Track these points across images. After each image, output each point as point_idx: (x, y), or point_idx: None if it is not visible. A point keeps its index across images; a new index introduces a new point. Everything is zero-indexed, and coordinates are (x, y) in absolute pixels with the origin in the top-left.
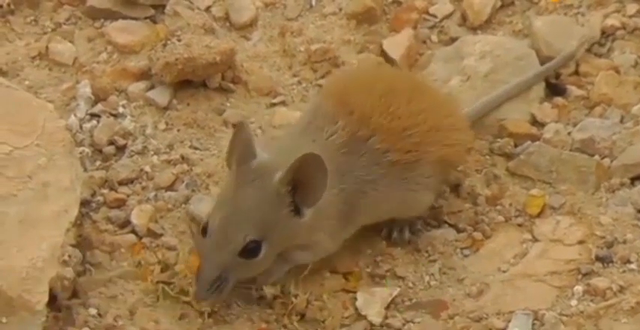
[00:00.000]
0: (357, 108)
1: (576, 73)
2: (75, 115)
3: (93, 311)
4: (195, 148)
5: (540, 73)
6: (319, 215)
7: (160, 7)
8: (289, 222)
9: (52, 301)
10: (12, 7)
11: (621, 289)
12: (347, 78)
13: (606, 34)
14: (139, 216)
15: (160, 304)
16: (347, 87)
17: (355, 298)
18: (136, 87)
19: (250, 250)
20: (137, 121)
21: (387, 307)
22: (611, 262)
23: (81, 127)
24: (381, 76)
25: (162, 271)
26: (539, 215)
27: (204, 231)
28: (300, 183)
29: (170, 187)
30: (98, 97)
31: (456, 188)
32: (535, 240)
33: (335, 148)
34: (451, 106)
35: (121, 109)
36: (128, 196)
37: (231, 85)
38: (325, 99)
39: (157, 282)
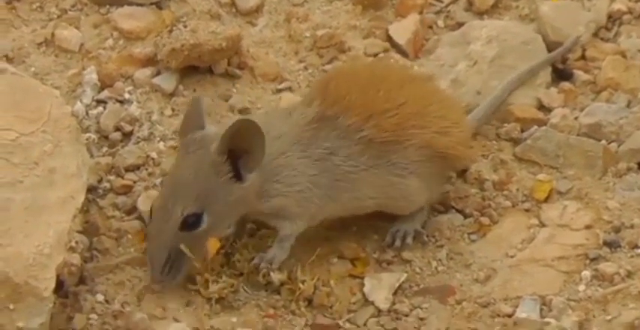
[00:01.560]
0: (333, 90)
1: (583, 57)
2: (81, 102)
3: (100, 297)
4: None
5: (545, 62)
6: (277, 180)
7: None
8: (231, 188)
9: (59, 287)
10: None
11: (629, 274)
12: (337, 70)
13: (613, 18)
14: (145, 202)
15: (167, 290)
16: (331, 75)
17: (363, 284)
18: (142, 73)
19: (191, 224)
20: (143, 107)
21: (395, 293)
22: (619, 246)
23: (87, 114)
24: (372, 67)
25: None
26: (546, 200)
27: (150, 212)
28: (239, 149)
29: None
30: (104, 83)
31: (462, 173)
32: (542, 225)
33: (303, 123)
34: (447, 99)
35: (127, 96)
36: (135, 182)
37: (237, 71)
38: (311, 87)
39: None
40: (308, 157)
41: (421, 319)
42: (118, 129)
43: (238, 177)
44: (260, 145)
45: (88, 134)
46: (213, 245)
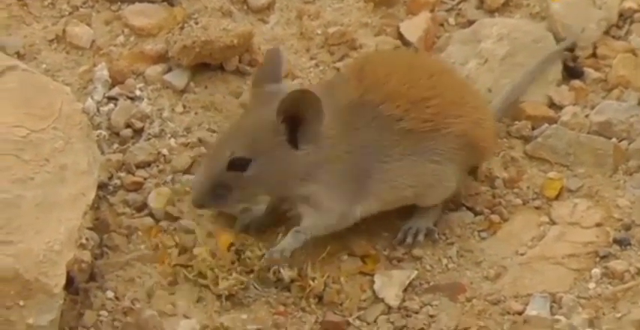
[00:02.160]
0: (370, 75)
1: (594, 55)
2: (92, 98)
3: (110, 294)
4: (213, 131)
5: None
6: (319, 163)
7: None
8: (283, 151)
9: (70, 284)
10: None
11: (639, 272)
12: (368, 54)
13: (624, 16)
14: (156, 199)
15: (177, 287)
16: (366, 59)
17: (373, 281)
18: (153, 70)
19: (237, 165)
20: (154, 104)
21: (405, 290)
22: (629, 244)
23: (98, 110)
24: (403, 54)
25: (179, 254)
26: (556, 198)
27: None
28: (298, 118)
29: (187, 170)
30: (115, 80)
31: (473, 171)
32: (553, 223)
33: (345, 105)
34: (477, 91)
35: (138, 92)
36: (145, 179)
37: (248, 68)
38: (345, 68)
39: (175, 265)
40: (350, 148)
41: (431, 316)
42: (128, 126)
43: (294, 144)
44: (316, 117)
45: (98, 131)
46: (224, 241)
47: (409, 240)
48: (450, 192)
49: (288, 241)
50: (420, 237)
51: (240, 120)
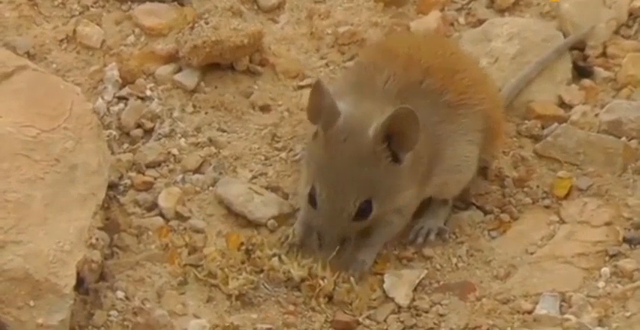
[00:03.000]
0: (401, 52)
1: (604, 54)
2: (102, 98)
3: (120, 294)
4: (223, 131)
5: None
6: (413, 166)
7: None
8: (391, 171)
9: (80, 284)
10: None
11: None
12: (383, 38)
13: (634, 15)
14: (166, 199)
15: (187, 287)
16: (386, 40)
17: (383, 281)
18: (164, 70)
19: (364, 212)
20: (164, 103)
21: (415, 290)
22: (639, 243)
23: (108, 110)
24: (415, 35)
25: (189, 254)
26: (566, 197)
27: (312, 200)
28: (395, 133)
29: (197, 170)
30: (126, 80)
31: (483, 170)
32: (562, 222)
33: (394, 96)
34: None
35: (148, 92)
36: (155, 179)
37: (258, 68)
38: (364, 55)
39: (185, 265)
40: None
41: (441, 315)
42: (139, 126)
43: (394, 159)
44: (416, 130)
45: (109, 131)
46: (234, 241)
47: (420, 240)
48: (467, 181)
49: (375, 242)
50: (432, 236)
51: (335, 166)
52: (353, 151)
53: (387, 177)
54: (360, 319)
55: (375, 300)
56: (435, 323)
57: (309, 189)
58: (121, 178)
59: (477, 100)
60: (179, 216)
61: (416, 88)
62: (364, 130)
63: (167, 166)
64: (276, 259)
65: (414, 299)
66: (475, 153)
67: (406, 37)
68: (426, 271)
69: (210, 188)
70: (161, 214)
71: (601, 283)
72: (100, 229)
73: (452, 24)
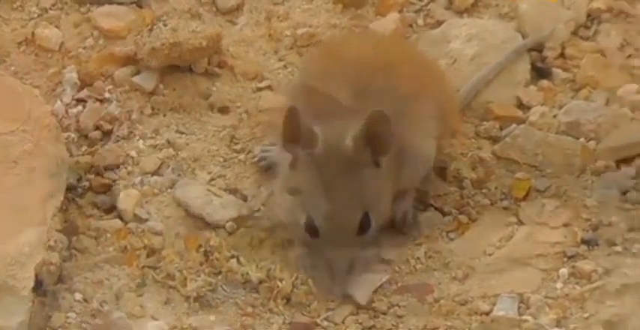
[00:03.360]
0: (348, 55)
1: (562, 56)
2: (61, 101)
3: (78, 296)
4: (182, 133)
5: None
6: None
7: None
8: (375, 177)
9: (38, 286)
10: None
11: (606, 272)
12: (326, 43)
13: (592, 16)
14: (124, 201)
15: (145, 288)
16: (329, 44)
17: None
18: (122, 72)
19: (364, 225)
20: (123, 106)
21: (374, 291)
22: (597, 244)
23: (67, 113)
24: (360, 33)
25: (148, 256)
26: (524, 198)
27: (311, 230)
28: (372, 138)
29: (156, 172)
30: (84, 82)
31: (441, 172)
32: (521, 223)
33: (354, 101)
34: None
35: (107, 95)
36: (114, 181)
37: (217, 70)
38: (312, 64)
39: (143, 267)
40: None
41: (399, 316)
42: (97, 128)
43: (376, 164)
44: (390, 131)
45: (67, 133)
46: (192, 243)
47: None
48: (427, 170)
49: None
50: (410, 216)
51: (327, 192)
52: (339, 167)
53: (374, 184)
54: (319, 321)
55: (333, 302)
56: (393, 325)
57: (305, 219)
58: (79, 180)
59: (426, 85)
60: (137, 218)
61: (371, 88)
62: (343, 144)
63: (125, 168)
64: (234, 260)
65: (372, 301)
66: (433, 143)
67: (348, 39)
68: (388, 276)
69: (169, 190)
70: (119, 217)
71: (559, 284)
72: (58, 231)
73: (410, 25)
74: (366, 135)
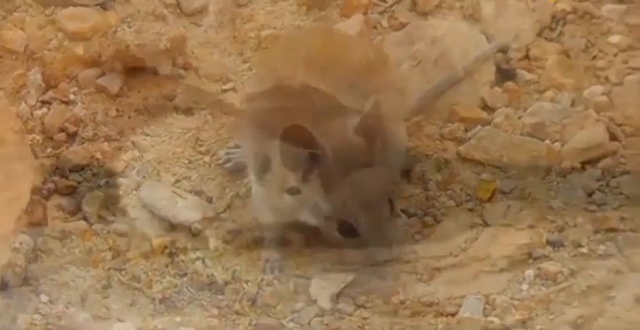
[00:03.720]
0: (298, 56)
1: (527, 57)
2: (25, 103)
3: (44, 298)
4: (147, 135)
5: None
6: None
7: None
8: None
9: (3, 288)
10: None
11: (572, 273)
12: (277, 42)
13: (557, 18)
14: (90, 203)
15: (111, 290)
16: (276, 48)
17: (308, 284)
18: (87, 74)
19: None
20: (88, 108)
21: (340, 293)
22: (562, 246)
23: (32, 115)
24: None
25: (113, 257)
26: (489, 200)
27: (348, 232)
28: (368, 131)
29: (121, 174)
30: (49, 84)
31: (406, 173)
32: (486, 224)
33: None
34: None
35: (71, 96)
36: (79, 183)
37: (182, 72)
38: (265, 68)
39: (109, 268)
40: None
41: (364, 318)
42: (62, 130)
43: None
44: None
45: (32, 135)
46: (157, 244)
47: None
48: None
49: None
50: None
51: (348, 189)
52: (350, 165)
53: (383, 171)
54: (284, 322)
55: (299, 303)
56: (358, 326)
57: (337, 226)
58: (44, 182)
59: (368, 79)
60: (103, 220)
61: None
62: (348, 141)
63: (91, 170)
64: (199, 262)
65: (338, 302)
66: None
67: (293, 38)
68: (352, 276)
69: (134, 192)
70: (85, 218)
71: (525, 286)
72: (23, 233)
73: (375, 27)
74: (364, 129)
